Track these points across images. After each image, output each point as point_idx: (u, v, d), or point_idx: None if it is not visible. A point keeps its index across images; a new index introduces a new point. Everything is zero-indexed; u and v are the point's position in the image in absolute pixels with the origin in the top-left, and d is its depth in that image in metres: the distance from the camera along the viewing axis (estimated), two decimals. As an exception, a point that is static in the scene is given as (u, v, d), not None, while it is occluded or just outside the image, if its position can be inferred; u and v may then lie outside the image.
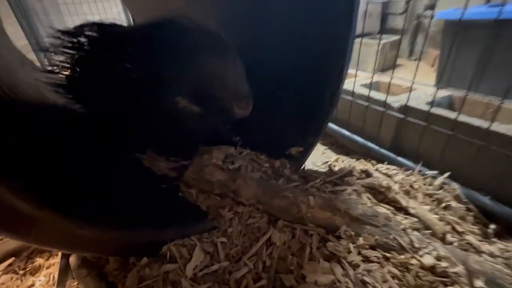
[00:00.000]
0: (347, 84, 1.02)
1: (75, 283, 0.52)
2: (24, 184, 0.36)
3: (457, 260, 0.46)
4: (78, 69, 0.76)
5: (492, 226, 0.60)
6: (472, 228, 0.58)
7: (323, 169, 0.90)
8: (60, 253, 0.57)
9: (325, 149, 1.06)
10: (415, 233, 0.53)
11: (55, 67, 0.77)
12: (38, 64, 0.73)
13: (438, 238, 0.54)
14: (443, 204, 0.63)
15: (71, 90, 0.78)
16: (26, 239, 0.39)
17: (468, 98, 0.91)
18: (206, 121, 0.82)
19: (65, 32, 0.69)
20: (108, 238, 0.46)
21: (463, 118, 0.70)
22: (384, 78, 1.14)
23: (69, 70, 0.76)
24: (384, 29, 2.62)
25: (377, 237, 0.50)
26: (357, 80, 1.08)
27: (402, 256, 0.48)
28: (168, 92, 0.71)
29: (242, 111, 0.68)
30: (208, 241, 0.55)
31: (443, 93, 0.91)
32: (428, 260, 0.46)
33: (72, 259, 0.54)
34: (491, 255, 0.51)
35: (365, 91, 0.94)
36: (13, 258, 0.60)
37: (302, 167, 0.85)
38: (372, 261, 0.47)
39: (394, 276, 0.45)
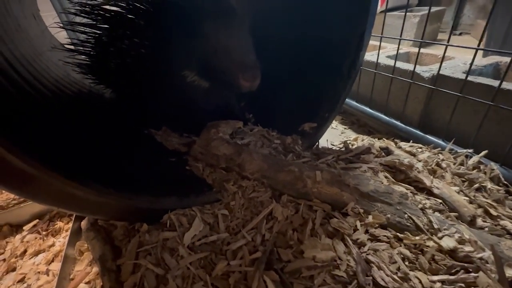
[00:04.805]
0: (372, 56, 0.92)
1: (86, 245, 0.55)
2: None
3: (485, 245, 0.39)
4: (95, 49, 0.79)
5: (538, 213, 0.51)
6: (510, 213, 0.49)
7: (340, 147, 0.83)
8: (74, 217, 0.60)
9: (344, 128, 0.99)
10: (436, 214, 0.47)
11: (78, 47, 0.80)
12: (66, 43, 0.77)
13: (466, 221, 0.47)
14: (476, 185, 0.54)
15: (91, 70, 0.81)
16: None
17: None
18: (217, 96, 0.80)
19: (82, 5, 0.71)
20: (111, 203, 0.47)
21: (509, 86, 0.59)
22: (415, 48, 1.01)
23: (89, 50, 0.79)
24: (423, 1, 2.33)
25: (389, 215, 0.45)
26: (384, 52, 0.98)
27: (417, 237, 0.42)
28: (175, 65, 0.70)
29: (248, 84, 0.64)
30: (209, 212, 0.55)
31: (488, 61, 0.78)
32: (448, 242, 0.40)
33: (84, 223, 0.57)
34: (532, 243, 0.43)
35: (391, 62, 0.83)
36: (37, 220, 0.66)
37: (316, 144, 0.80)
38: (380, 241, 0.43)
39: (404, 258, 0.40)
